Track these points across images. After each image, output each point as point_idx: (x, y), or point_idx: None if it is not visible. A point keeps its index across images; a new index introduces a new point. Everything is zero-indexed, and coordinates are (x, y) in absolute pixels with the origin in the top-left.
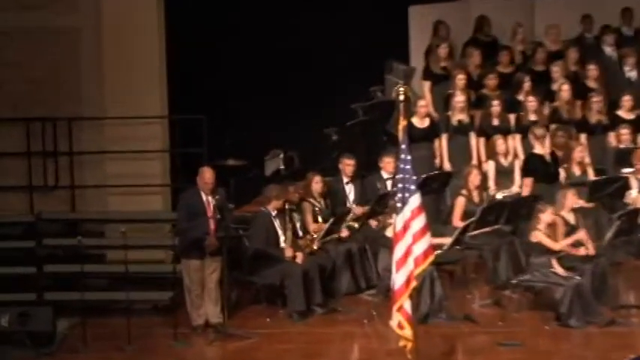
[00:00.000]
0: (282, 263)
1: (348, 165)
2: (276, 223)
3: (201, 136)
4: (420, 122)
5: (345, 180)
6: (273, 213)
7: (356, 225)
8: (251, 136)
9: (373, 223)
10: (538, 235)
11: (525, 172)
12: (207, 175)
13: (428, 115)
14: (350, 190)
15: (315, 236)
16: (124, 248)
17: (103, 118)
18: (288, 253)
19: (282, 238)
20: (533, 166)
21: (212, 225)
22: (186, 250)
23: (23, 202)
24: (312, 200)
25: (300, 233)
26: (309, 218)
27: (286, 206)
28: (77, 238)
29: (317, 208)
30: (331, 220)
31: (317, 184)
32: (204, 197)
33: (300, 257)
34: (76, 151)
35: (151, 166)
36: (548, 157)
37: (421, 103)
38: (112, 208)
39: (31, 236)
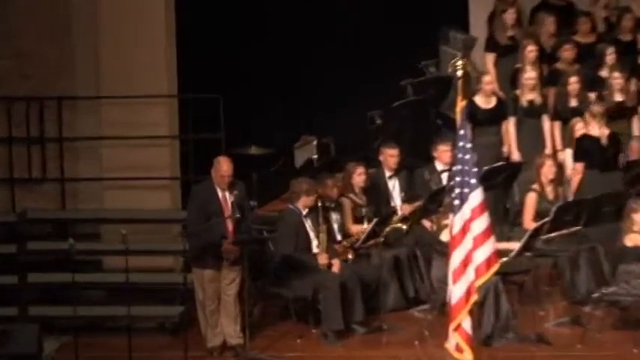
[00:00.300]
0: (316, 272)
1: (390, 156)
2: (308, 224)
3: (218, 119)
4: (485, 102)
5: (388, 173)
6: (304, 212)
7: (404, 227)
8: (277, 119)
9: (427, 224)
10: (636, 239)
11: (576, 157)
12: (224, 166)
13: (494, 93)
14: (394, 186)
15: (355, 240)
16: (125, 254)
17: (100, 97)
18: (323, 260)
19: (314, 242)
20: (587, 149)
21: (230, 226)
22: (199, 256)
23: (3, 198)
24: (352, 196)
25: (338, 237)
26: (348, 218)
27: (320, 204)
28: (68, 242)
29: (360, 207)
30: (374, 220)
31: (360, 176)
32: (220, 193)
33: (337, 265)
34: (68, 137)
35: (158, 155)
36: (604, 141)
37: (486, 79)
38: (110, 205)
39: (13, 239)
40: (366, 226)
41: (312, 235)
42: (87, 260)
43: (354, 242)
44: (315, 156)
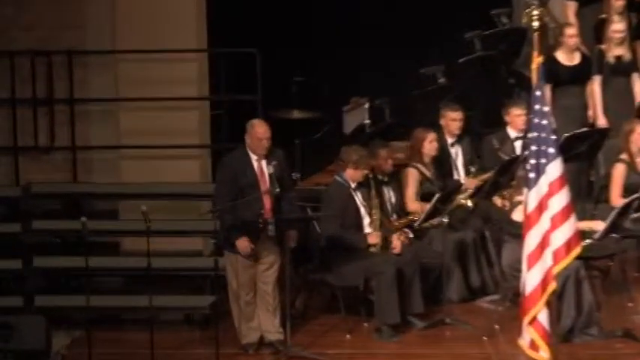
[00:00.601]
0: (368, 256)
1: (453, 120)
2: (358, 199)
3: (254, 78)
4: (567, 58)
5: (450, 140)
6: (353, 184)
7: (469, 204)
8: (324, 79)
9: (497, 201)
10: None
11: None
12: (259, 129)
13: (578, 48)
14: (456, 154)
15: (413, 219)
16: (146, 235)
17: (117, 51)
18: (373, 239)
19: (366, 220)
20: None
21: (267, 203)
22: (231, 238)
23: (5, 170)
24: (421, 167)
25: (393, 215)
26: (410, 192)
27: (372, 176)
28: (80, 220)
29: (427, 181)
30: (435, 196)
31: (431, 143)
32: (255, 163)
33: (397, 244)
34: (79, 98)
35: (184, 120)
36: None
37: (569, 31)
38: (128, 178)
39: (16, 217)
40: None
41: (363, 211)
42: (102, 242)
43: (412, 222)
44: (367, 121)
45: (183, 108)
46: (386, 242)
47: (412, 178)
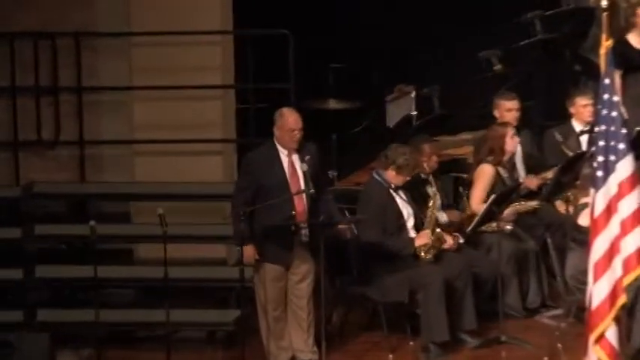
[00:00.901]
0: (414, 267)
1: (508, 110)
2: (399, 200)
3: (286, 64)
4: None
5: None
6: (392, 184)
7: (529, 206)
8: (364, 65)
9: (561, 204)
10: None
11: None
12: (290, 118)
13: None
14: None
15: (463, 223)
16: (163, 241)
17: (131, 34)
18: (422, 239)
19: (409, 223)
20: None
21: (300, 204)
22: (259, 246)
23: (4, 168)
24: (500, 167)
25: (441, 217)
26: (479, 192)
27: (421, 176)
28: (88, 225)
29: (503, 182)
30: (491, 198)
31: (513, 139)
32: (284, 159)
33: (450, 243)
34: (88, 86)
35: (206, 111)
36: None
37: None
38: (142, 177)
39: (16, 221)
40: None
41: (405, 213)
42: (113, 249)
43: (462, 227)
44: (414, 112)
45: (206, 98)
46: (436, 245)
47: (486, 177)
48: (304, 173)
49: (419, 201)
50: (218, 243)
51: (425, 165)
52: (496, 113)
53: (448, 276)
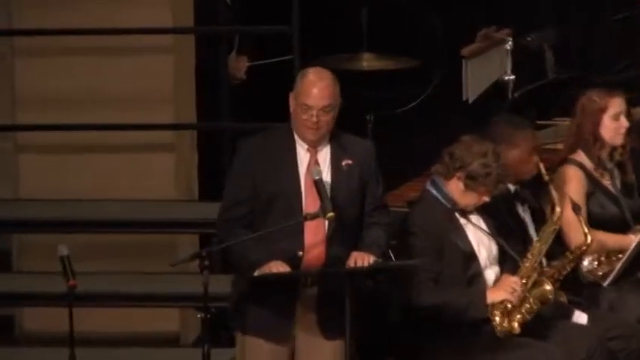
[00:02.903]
0: (499, 345)
1: None
2: (471, 231)
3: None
4: None
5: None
6: (459, 205)
7: None
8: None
9: None
10: None
11: None
12: (310, 87)
13: None
14: None
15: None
16: (67, 304)
17: None
18: (499, 294)
19: (483, 260)
20: None
21: (313, 234)
22: (247, 307)
23: None
24: (589, 165)
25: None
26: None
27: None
28: None
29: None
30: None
31: (618, 120)
32: (303, 157)
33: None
34: None
35: (146, 71)
36: None
37: None
38: (31, 190)
39: None
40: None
41: (478, 249)
42: None
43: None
44: (510, 76)
45: (145, 49)
46: (530, 308)
47: (577, 184)
48: (316, 183)
49: (503, 229)
50: (166, 306)
51: (522, 171)
52: None
53: (568, 350)
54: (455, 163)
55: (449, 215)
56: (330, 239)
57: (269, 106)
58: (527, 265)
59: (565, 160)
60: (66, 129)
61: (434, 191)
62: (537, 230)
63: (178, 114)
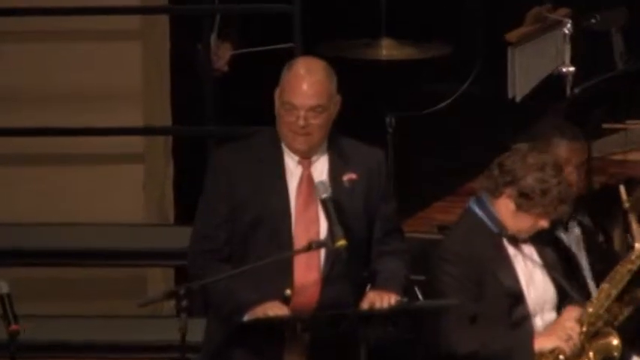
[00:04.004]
0: None
1: None
2: (519, 263)
3: None
4: None
5: None
6: (510, 231)
7: None
8: None
9: None
10: None
11: None
12: (297, 82)
13: None
14: None
15: None
16: (11, 355)
17: None
18: (552, 341)
19: (529, 297)
20: None
21: (309, 270)
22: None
23: None
24: None
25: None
26: None
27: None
28: None
29: None
30: None
31: None
32: (294, 170)
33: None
34: None
35: (109, 60)
36: None
37: None
38: None
39: None
40: None
41: (525, 286)
42: None
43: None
44: (569, 68)
45: (108, 35)
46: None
47: None
48: (324, 203)
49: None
50: (134, 359)
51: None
52: None
53: None
54: (505, 177)
55: (495, 242)
56: (328, 275)
57: (261, 107)
58: (591, 310)
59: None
60: (5, 134)
61: (478, 211)
62: (592, 264)
63: (149, 115)
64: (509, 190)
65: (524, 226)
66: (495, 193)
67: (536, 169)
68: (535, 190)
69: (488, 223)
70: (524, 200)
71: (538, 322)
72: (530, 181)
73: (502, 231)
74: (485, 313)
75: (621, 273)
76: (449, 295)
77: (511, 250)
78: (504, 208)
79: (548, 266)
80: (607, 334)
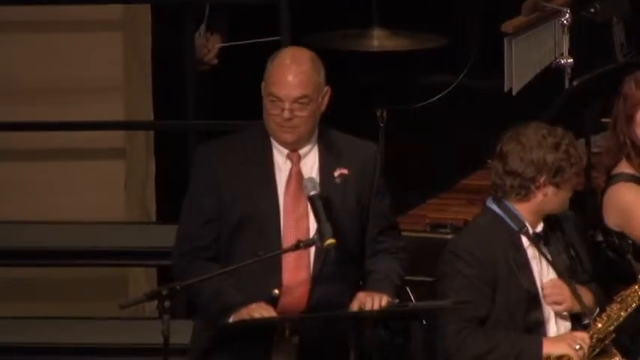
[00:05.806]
0: None
1: None
2: (537, 265)
3: None
4: None
5: None
6: (532, 225)
7: None
8: None
9: None
10: None
11: None
12: (281, 72)
13: None
14: None
15: None
16: None
17: None
18: (557, 347)
19: (548, 312)
20: None
21: (299, 269)
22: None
23: None
24: None
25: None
26: None
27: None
28: None
29: None
30: None
31: None
32: (282, 165)
33: None
34: None
35: (86, 52)
36: None
37: None
38: None
39: None
40: None
41: (539, 286)
42: None
43: None
44: (568, 59)
45: (87, 25)
46: None
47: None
48: (311, 200)
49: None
50: None
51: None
52: None
53: None
54: (526, 174)
55: (514, 240)
56: (317, 275)
57: (248, 100)
58: (600, 326)
59: (611, 178)
60: None
61: (497, 209)
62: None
63: (130, 109)
64: (541, 180)
65: (561, 202)
66: (529, 194)
67: (551, 147)
68: (562, 160)
69: (508, 220)
70: (560, 177)
71: (552, 328)
72: (551, 158)
73: (522, 227)
74: (498, 316)
75: (633, 297)
76: (459, 295)
77: (530, 251)
78: (541, 196)
79: (562, 270)
80: (611, 355)
